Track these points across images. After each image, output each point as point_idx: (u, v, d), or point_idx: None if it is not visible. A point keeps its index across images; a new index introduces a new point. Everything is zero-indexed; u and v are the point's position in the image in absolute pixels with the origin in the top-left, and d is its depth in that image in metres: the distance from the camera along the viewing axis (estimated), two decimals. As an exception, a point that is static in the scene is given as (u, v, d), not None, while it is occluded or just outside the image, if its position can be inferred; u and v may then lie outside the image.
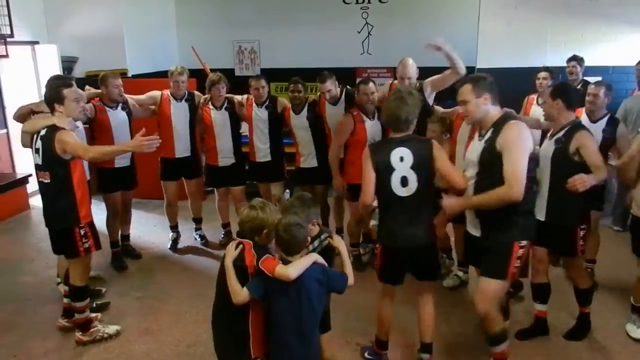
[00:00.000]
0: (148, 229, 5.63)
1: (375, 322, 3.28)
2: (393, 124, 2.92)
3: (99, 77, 4.49)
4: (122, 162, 4.52)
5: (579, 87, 5.20)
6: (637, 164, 3.33)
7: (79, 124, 4.06)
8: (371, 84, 4.27)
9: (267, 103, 4.82)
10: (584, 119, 3.86)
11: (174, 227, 5.20)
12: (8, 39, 5.87)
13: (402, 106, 2.85)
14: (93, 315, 3.69)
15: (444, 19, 7.48)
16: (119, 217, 4.74)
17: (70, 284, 3.50)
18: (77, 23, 7.02)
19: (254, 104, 4.83)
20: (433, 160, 2.83)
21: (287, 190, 5.97)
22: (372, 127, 4.26)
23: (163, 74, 5.21)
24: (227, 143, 4.90)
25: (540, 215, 3.23)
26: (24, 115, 3.73)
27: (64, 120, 3.30)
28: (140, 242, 5.24)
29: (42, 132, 3.27)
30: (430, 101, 4.22)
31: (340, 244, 2.60)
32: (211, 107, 4.83)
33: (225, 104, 4.84)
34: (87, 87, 4.54)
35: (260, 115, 4.82)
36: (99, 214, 4.62)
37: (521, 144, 2.65)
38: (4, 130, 6.42)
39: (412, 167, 2.83)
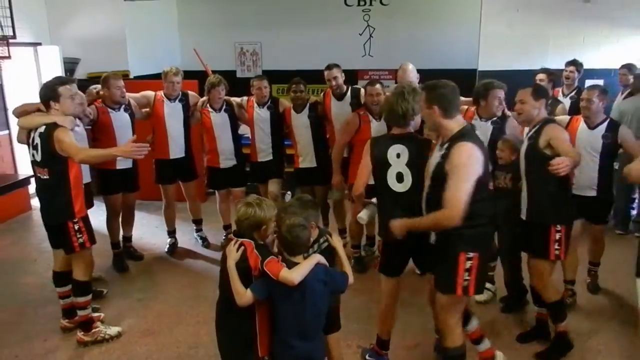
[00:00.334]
0: (149, 230, 5.63)
1: (376, 324, 3.27)
2: (391, 119, 2.95)
3: (100, 79, 4.48)
4: (124, 164, 4.51)
5: (572, 93, 5.16)
6: None
7: (81, 125, 4.06)
8: (378, 85, 4.31)
9: (268, 104, 4.83)
10: (583, 126, 3.76)
11: (172, 233, 5.20)
12: (10, 40, 5.87)
13: (400, 101, 2.86)
14: (96, 315, 3.70)
15: (446, 22, 7.50)
16: (119, 218, 4.73)
17: (73, 278, 3.51)
18: (80, 24, 7.04)
19: (255, 105, 4.84)
20: (427, 160, 2.78)
21: (289, 192, 5.98)
22: (377, 128, 4.27)
23: (165, 76, 5.21)
24: (228, 145, 4.91)
25: (523, 214, 3.25)
26: (27, 112, 3.71)
27: (66, 118, 3.33)
28: (142, 243, 5.24)
29: (41, 129, 3.28)
30: None
31: (338, 243, 2.60)
32: (210, 109, 4.82)
33: (224, 106, 4.84)
34: (93, 86, 4.51)
35: (262, 115, 4.83)
36: (99, 215, 4.67)
37: (465, 169, 2.47)
38: (6, 132, 6.44)
39: (407, 165, 2.86)
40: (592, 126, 3.74)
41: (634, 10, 6.13)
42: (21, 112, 3.62)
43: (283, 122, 4.90)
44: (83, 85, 6.30)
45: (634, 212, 5.61)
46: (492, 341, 3.39)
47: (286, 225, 2.38)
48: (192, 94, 4.95)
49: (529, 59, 6.26)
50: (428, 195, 2.67)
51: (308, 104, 4.73)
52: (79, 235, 3.38)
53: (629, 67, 5.44)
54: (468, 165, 2.47)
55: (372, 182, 3.08)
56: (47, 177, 3.33)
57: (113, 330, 3.63)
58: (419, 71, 4.43)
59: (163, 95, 4.77)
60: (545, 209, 3.16)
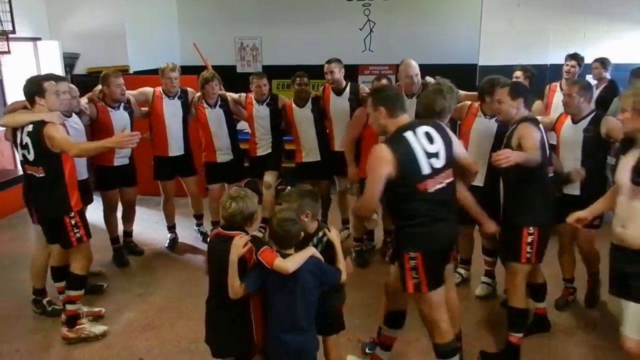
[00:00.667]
0: (150, 225, 5.63)
1: (375, 318, 3.28)
2: (427, 115, 2.93)
3: (100, 76, 4.43)
4: (121, 160, 4.51)
5: None
6: None
7: (79, 122, 4.04)
8: (384, 80, 4.38)
9: (267, 100, 4.82)
10: (568, 122, 3.64)
11: (172, 228, 5.21)
12: (10, 35, 5.86)
13: (439, 99, 2.89)
14: (97, 309, 3.75)
15: (447, 17, 7.48)
16: (116, 214, 4.73)
17: (70, 271, 3.50)
18: (79, 19, 7.02)
19: (254, 102, 4.83)
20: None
21: (289, 187, 5.97)
22: None
23: (165, 71, 5.20)
24: (225, 140, 4.89)
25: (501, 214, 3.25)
26: (15, 110, 3.67)
27: (52, 114, 3.29)
28: (142, 238, 5.25)
29: (29, 128, 3.25)
30: None
31: (336, 238, 2.58)
32: (205, 105, 4.79)
33: (219, 102, 4.82)
34: (98, 87, 4.47)
35: (261, 112, 4.82)
36: (98, 210, 4.67)
37: (370, 174, 2.62)
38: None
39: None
40: (575, 120, 3.60)
41: (634, 6, 6.12)
42: (10, 112, 3.56)
43: (283, 118, 4.89)
44: (82, 80, 6.35)
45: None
46: (491, 336, 3.41)
47: (277, 219, 2.40)
48: (191, 90, 4.93)
49: (529, 55, 6.25)
50: None
51: (310, 99, 4.73)
52: (75, 230, 3.39)
53: (602, 62, 5.43)
54: (372, 167, 2.61)
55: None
56: (43, 174, 3.31)
57: (98, 329, 3.59)
58: (419, 66, 4.42)
59: (162, 92, 4.73)
60: (518, 210, 3.10)
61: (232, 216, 2.46)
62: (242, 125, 5.25)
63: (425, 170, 2.59)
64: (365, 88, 4.67)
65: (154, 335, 3.62)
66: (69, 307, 3.51)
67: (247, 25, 8.14)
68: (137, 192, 4.85)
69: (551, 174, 3.35)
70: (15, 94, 6.21)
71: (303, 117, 4.72)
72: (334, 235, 2.59)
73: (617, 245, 2.58)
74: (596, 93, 5.32)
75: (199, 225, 5.32)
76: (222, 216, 2.51)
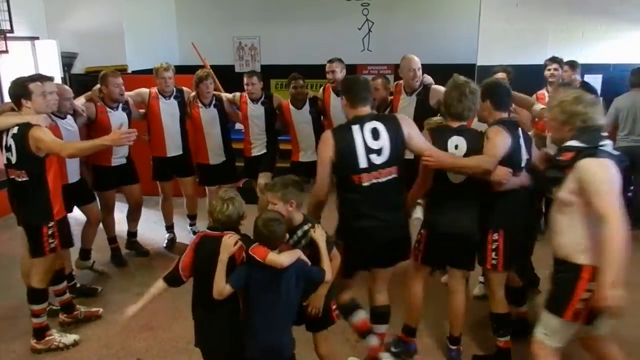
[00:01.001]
0: (148, 225, 5.62)
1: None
2: (450, 114, 2.96)
3: (99, 76, 4.40)
4: (118, 160, 4.49)
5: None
6: None
7: (73, 124, 3.99)
8: (379, 80, 4.46)
9: (262, 99, 4.81)
10: None
11: (170, 228, 5.21)
12: (8, 34, 5.85)
13: (463, 99, 2.89)
14: (94, 309, 3.75)
15: (445, 16, 7.49)
16: (112, 214, 4.71)
17: (28, 285, 3.38)
18: (77, 19, 7.01)
19: (248, 101, 4.82)
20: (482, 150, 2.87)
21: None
22: None
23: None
24: (217, 141, 4.87)
25: None
26: (4, 112, 3.64)
27: (38, 117, 3.20)
28: (141, 239, 5.22)
29: (14, 130, 3.16)
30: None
31: (320, 237, 2.54)
32: (200, 104, 4.78)
33: (214, 101, 4.81)
34: (97, 86, 4.45)
35: (256, 111, 4.81)
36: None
37: (318, 157, 2.85)
38: (4, 126, 6.41)
39: (465, 156, 2.89)
40: None
41: (633, 6, 6.12)
42: None
43: (279, 118, 4.88)
44: (81, 79, 6.34)
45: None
46: (488, 336, 3.40)
47: (262, 219, 2.41)
48: (187, 90, 4.90)
49: (528, 54, 6.25)
50: None
51: (308, 100, 4.72)
52: (51, 240, 3.27)
53: (571, 64, 5.16)
54: (319, 151, 2.86)
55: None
56: (26, 178, 3.20)
57: (69, 338, 3.51)
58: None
59: (157, 92, 4.72)
60: (484, 213, 3.02)
61: (230, 217, 2.46)
62: (240, 125, 5.24)
63: (362, 164, 2.72)
64: None
65: (152, 335, 3.62)
66: (34, 320, 3.40)
67: (245, 25, 8.14)
68: (142, 190, 4.80)
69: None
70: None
71: (301, 119, 4.71)
72: (319, 234, 2.55)
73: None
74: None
75: (192, 225, 5.31)
76: (216, 218, 2.48)
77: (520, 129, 2.98)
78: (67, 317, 3.67)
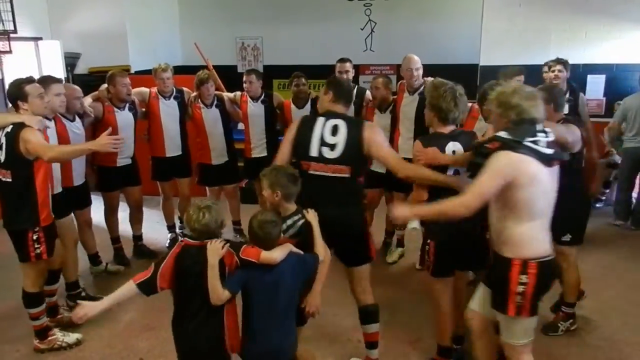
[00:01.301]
0: (150, 225, 5.62)
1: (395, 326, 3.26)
2: (448, 119, 2.90)
3: (106, 76, 4.41)
4: (124, 161, 4.50)
5: (566, 95, 4.50)
6: None
7: (81, 127, 3.97)
8: (380, 79, 4.50)
9: (262, 98, 4.81)
10: None
11: (171, 228, 5.20)
12: (11, 35, 5.87)
13: (459, 104, 2.86)
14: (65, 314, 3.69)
15: (448, 16, 7.49)
16: (116, 214, 4.72)
17: (22, 289, 3.34)
18: (80, 19, 7.03)
19: (249, 100, 4.82)
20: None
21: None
22: (379, 120, 4.43)
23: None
24: (220, 141, 4.87)
25: None
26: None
27: (33, 118, 3.16)
28: (143, 239, 5.24)
29: (8, 129, 3.13)
30: None
31: (314, 220, 2.60)
32: (201, 105, 4.78)
33: (215, 102, 4.81)
34: (104, 86, 4.46)
35: (256, 110, 4.82)
36: (100, 210, 4.68)
37: (283, 139, 3.09)
38: (7, 126, 6.42)
39: None
40: None
41: (636, 5, 6.10)
42: None
43: (280, 117, 4.88)
44: (84, 80, 6.36)
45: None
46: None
47: (257, 220, 2.41)
48: (187, 90, 4.90)
49: (530, 54, 6.24)
50: None
51: (310, 100, 4.73)
52: (36, 246, 3.19)
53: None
54: (287, 130, 3.09)
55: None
56: (10, 179, 3.13)
57: (71, 338, 3.51)
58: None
59: (157, 92, 4.72)
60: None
61: (207, 226, 2.39)
62: (242, 125, 5.24)
63: (313, 153, 2.85)
64: (369, 96, 4.71)
65: (154, 335, 3.62)
66: (34, 323, 3.40)
67: (248, 25, 8.15)
68: (142, 192, 4.81)
69: None
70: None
71: None
72: (312, 216, 2.61)
73: None
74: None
75: (183, 228, 5.20)
76: (193, 228, 2.40)
77: None
78: (50, 320, 3.60)
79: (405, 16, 7.65)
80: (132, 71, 6.98)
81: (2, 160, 3.16)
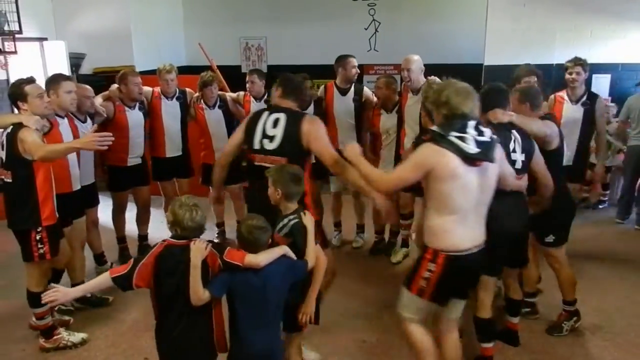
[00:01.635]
0: (154, 225, 5.61)
1: (380, 319, 3.27)
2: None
3: (118, 75, 4.43)
4: (134, 160, 4.50)
5: (583, 98, 4.29)
6: None
7: (89, 126, 3.95)
8: (382, 79, 4.57)
9: (265, 97, 4.82)
10: None
11: None
12: (16, 35, 5.89)
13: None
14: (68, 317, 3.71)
15: (452, 16, 7.47)
16: (124, 214, 4.73)
17: (27, 289, 3.35)
18: (85, 20, 7.05)
19: (252, 99, 4.83)
20: None
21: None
22: (385, 120, 4.53)
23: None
24: (223, 141, 4.83)
25: None
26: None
27: (30, 118, 3.17)
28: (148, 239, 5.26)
29: (9, 130, 3.16)
30: None
31: (310, 223, 2.56)
32: (204, 106, 4.79)
33: (218, 103, 4.81)
34: (114, 85, 4.47)
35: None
36: (107, 210, 4.69)
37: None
38: (12, 127, 6.45)
39: None
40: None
41: (641, 4, 6.08)
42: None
43: None
44: (88, 80, 6.37)
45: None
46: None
47: (247, 225, 2.39)
48: (189, 91, 4.91)
49: (535, 54, 6.21)
50: None
51: (312, 101, 4.73)
52: (40, 246, 3.22)
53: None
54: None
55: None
56: (10, 180, 3.17)
57: (77, 337, 3.52)
58: (425, 66, 4.42)
59: (160, 93, 4.72)
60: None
61: (200, 224, 2.38)
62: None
63: (256, 145, 2.98)
64: (369, 93, 4.75)
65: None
66: (39, 322, 3.42)
67: (252, 26, 8.15)
68: (150, 192, 4.80)
69: None
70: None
71: None
72: (309, 219, 2.59)
73: None
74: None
75: None
76: (186, 226, 2.34)
77: (515, 130, 2.95)
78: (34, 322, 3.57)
79: (410, 16, 7.63)
80: (137, 71, 6.99)
81: (4, 161, 3.20)
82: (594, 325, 3.65)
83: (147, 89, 4.76)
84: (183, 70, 6.32)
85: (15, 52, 5.97)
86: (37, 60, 6.80)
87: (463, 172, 2.38)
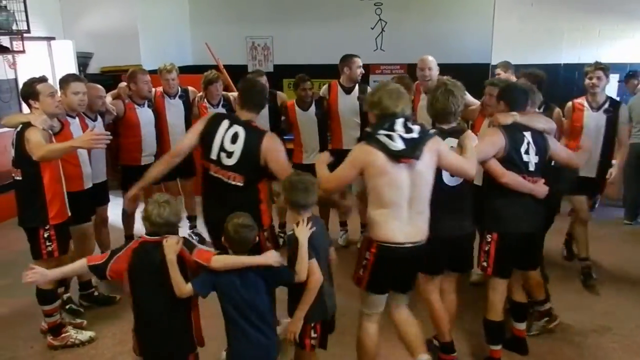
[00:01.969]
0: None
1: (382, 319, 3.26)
2: (444, 117, 2.91)
3: (127, 73, 4.45)
4: (148, 159, 4.50)
5: (606, 105, 4.07)
6: None
7: (102, 129, 3.97)
8: (396, 79, 4.42)
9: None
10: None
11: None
12: (25, 35, 5.92)
13: (451, 99, 2.86)
14: (77, 320, 3.72)
15: (459, 16, 7.44)
16: (134, 214, 4.73)
17: (36, 286, 3.33)
18: (93, 19, 7.08)
19: None
20: None
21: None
22: None
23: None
24: None
25: None
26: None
27: (39, 117, 3.20)
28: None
29: (18, 129, 3.20)
30: None
31: (302, 235, 2.46)
32: (208, 105, 4.79)
33: (222, 102, 4.81)
34: (122, 84, 4.49)
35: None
36: (117, 209, 4.70)
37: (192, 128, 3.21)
38: (20, 126, 6.49)
39: None
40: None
41: (650, 4, 6.04)
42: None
43: (284, 116, 4.89)
44: (96, 79, 6.40)
45: None
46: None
47: (233, 224, 2.41)
48: (192, 89, 4.92)
49: (542, 54, 6.20)
50: None
51: (314, 101, 4.73)
52: (48, 243, 3.26)
53: (505, 65, 4.58)
54: (198, 120, 3.21)
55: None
56: (20, 178, 3.23)
57: (84, 335, 3.55)
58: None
59: (163, 92, 4.73)
60: (483, 213, 3.04)
61: (168, 221, 2.42)
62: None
63: (213, 155, 2.94)
64: None
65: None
66: (47, 319, 3.45)
67: (258, 25, 8.15)
68: (161, 192, 4.81)
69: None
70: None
71: (306, 120, 4.71)
72: (300, 231, 2.47)
73: None
74: None
75: (192, 227, 5.22)
76: (154, 222, 2.41)
77: (530, 131, 2.93)
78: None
79: (416, 15, 7.61)
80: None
81: (14, 160, 3.24)
82: (602, 327, 3.63)
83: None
84: (190, 69, 6.35)
85: (23, 52, 6.00)
86: (45, 60, 6.84)
87: (391, 168, 2.50)
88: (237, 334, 2.43)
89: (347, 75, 4.66)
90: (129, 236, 4.80)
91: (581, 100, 4.14)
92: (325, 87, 4.86)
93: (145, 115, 4.43)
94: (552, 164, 3.24)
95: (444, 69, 4.43)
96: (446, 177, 2.86)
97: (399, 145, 2.47)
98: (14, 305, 4.08)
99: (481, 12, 7.05)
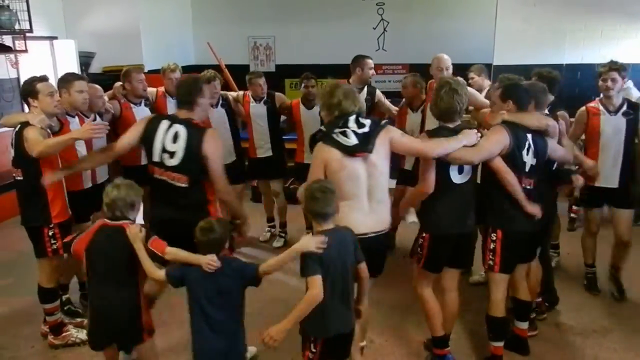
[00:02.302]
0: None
1: (384, 319, 3.26)
2: (449, 115, 2.91)
3: (121, 73, 4.45)
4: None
5: (624, 108, 3.76)
6: None
7: (98, 121, 4.01)
8: (409, 79, 4.60)
9: (265, 98, 4.81)
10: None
11: None
12: (27, 34, 5.93)
13: (456, 97, 2.86)
14: (79, 321, 3.72)
15: (461, 15, 7.44)
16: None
17: (38, 284, 3.40)
18: (95, 19, 7.10)
19: (251, 100, 4.82)
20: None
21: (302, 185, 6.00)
22: (413, 119, 4.55)
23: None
24: (227, 141, 4.80)
25: None
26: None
27: (37, 116, 3.19)
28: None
29: (16, 128, 3.19)
30: None
31: (302, 242, 2.40)
32: None
33: (221, 101, 4.80)
34: (118, 84, 4.49)
35: (258, 110, 4.82)
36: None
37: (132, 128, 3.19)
38: (22, 125, 6.50)
39: None
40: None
41: (653, 4, 6.02)
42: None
43: (284, 116, 4.88)
44: (98, 79, 6.41)
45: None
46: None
47: (199, 227, 2.44)
48: None
49: (545, 54, 6.18)
50: None
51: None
52: (53, 242, 3.26)
53: (479, 69, 4.62)
54: (138, 121, 3.28)
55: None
56: (21, 178, 3.23)
57: (85, 334, 3.49)
58: (431, 66, 4.40)
59: (164, 91, 4.73)
60: (487, 210, 3.04)
61: (114, 202, 2.55)
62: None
63: (155, 158, 2.95)
64: (381, 95, 4.77)
65: (167, 331, 3.63)
66: (48, 318, 3.46)
67: (260, 25, 8.16)
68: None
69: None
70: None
71: (310, 119, 4.69)
72: (305, 239, 2.43)
73: None
74: None
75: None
76: (105, 203, 2.58)
77: (532, 133, 2.93)
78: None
79: (418, 15, 7.61)
80: (146, 70, 6.97)
81: (13, 160, 3.24)
82: (605, 328, 3.63)
83: (151, 89, 4.77)
84: (192, 69, 6.33)
85: (25, 51, 6.01)
86: (48, 59, 6.85)
87: (348, 163, 2.68)
88: (199, 328, 2.46)
89: (359, 76, 4.63)
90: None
91: (595, 104, 3.81)
92: None
93: (142, 114, 4.36)
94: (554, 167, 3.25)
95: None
96: (454, 175, 2.86)
97: (352, 140, 2.66)
98: (15, 304, 4.09)
99: (483, 12, 7.05)
